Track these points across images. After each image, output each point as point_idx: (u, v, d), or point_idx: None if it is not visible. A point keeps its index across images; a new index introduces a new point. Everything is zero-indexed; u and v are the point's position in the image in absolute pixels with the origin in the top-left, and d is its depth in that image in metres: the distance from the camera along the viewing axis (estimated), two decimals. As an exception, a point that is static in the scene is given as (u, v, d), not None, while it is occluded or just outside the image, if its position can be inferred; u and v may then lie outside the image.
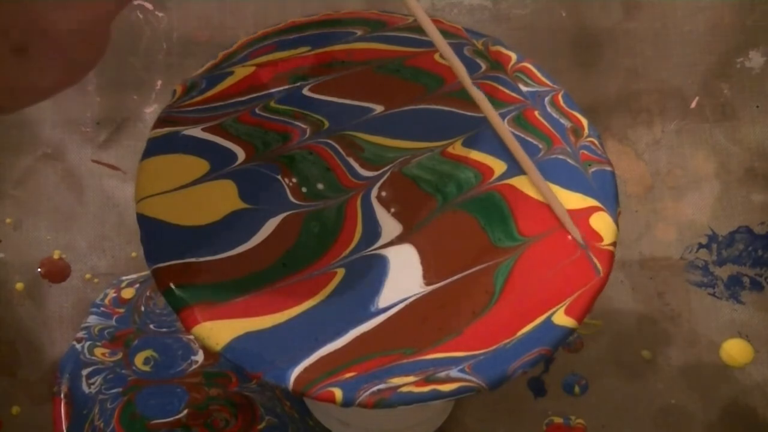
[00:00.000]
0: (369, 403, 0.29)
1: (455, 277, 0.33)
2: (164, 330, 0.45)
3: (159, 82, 0.50)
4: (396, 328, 0.32)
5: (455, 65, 0.34)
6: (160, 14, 0.50)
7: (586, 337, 0.46)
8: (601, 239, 0.33)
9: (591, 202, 0.34)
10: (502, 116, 0.37)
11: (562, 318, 0.31)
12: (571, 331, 0.31)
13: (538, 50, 0.50)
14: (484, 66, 0.37)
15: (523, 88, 0.37)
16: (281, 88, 0.37)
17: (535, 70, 0.37)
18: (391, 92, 0.37)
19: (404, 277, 0.33)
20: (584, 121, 0.36)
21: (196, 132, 0.35)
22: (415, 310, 0.32)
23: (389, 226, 0.35)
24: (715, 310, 0.46)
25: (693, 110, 0.49)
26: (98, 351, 0.45)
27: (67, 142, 0.48)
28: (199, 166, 0.34)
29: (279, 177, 0.35)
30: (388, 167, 0.36)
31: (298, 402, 0.44)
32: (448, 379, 0.30)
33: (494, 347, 0.31)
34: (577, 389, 0.45)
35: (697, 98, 0.50)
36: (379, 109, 0.37)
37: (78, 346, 0.45)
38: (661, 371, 0.45)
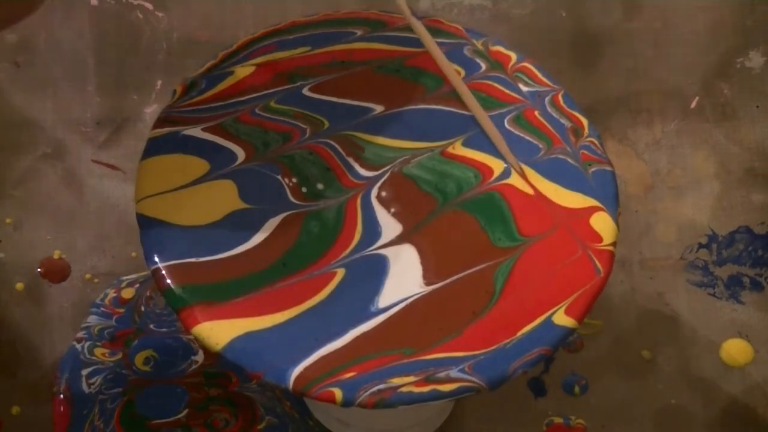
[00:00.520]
0: (369, 403, 0.29)
1: (455, 277, 0.33)
2: (164, 330, 0.45)
3: (159, 82, 0.50)
4: (396, 328, 0.32)
5: (435, 53, 0.34)
6: (160, 14, 0.50)
7: (586, 337, 0.46)
8: (601, 239, 0.33)
9: (591, 202, 0.34)
10: (502, 116, 0.37)
11: (562, 318, 0.31)
12: (571, 331, 0.31)
13: (538, 50, 0.50)
14: (484, 66, 0.37)
15: (523, 88, 0.37)
16: (281, 88, 0.37)
17: (535, 70, 0.37)
18: (391, 92, 0.37)
19: (404, 277, 0.33)
20: (584, 121, 0.36)
21: (196, 132, 0.35)
22: (415, 310, 0.32)
23: (389, 226, 0.35)
24: (715, 310, 0.46)
25: (693, 110, 0.49)
26: (98, 351, 0.45)
27: (67, 142, 0.48)
28: (199, 166, 0.34)
29: (279, 177, 0.35)
30: (388, 167, 0.36)
31: (298, 402, 0.44)
32: (448, 379, 0.30)
33: (494, 347, 0.31)
34: (577, 389, 0.45)
35: (697, 98, 0.50)
36: (379, 109, 0.37)
37: (78, 346, 0.45)
38: (661, 371, 0.45)
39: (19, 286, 0.46)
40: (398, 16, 0.38)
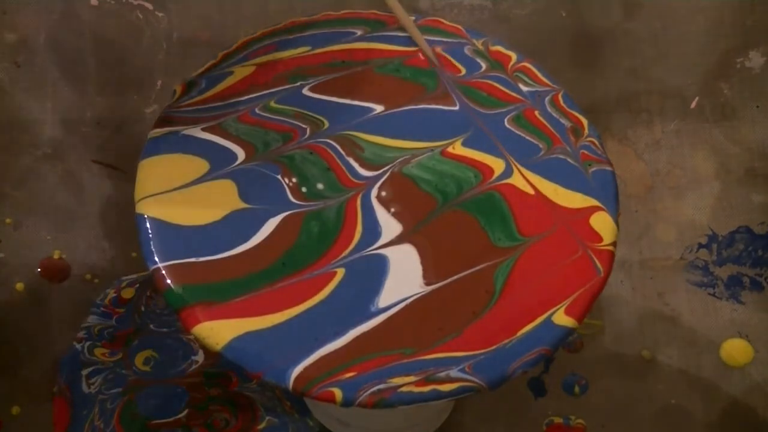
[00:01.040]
0: (369, 403, 0.29)
1: (455, 277, 0.33)
2: (164, 330, 0.45)
3: (159, 82, 0.50)
4: (396, 328, 0.32)
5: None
6: (160, 14, 0.50)
7: (586, 337, 0.46)
8: (601, 239, 0.33)
9: (591, 201, 0.34)
10: (502, 116, 0.37)
11: (562, 318, 0.31)
12: (571, 331, 0.31)
13: (538, 50, 0.50)
14: (484, 66, 0.37)
15: (523, 88, 0.37)
16: (281, 88, 0.37)
17: (535, 70, 0.37)
18: (391, 92, 0.37)
19: (404, 277, 0.33)
20: (584, 121, 0.36)
21: (196, 132, 0.35)
22: (415, 310, 0.32)
23: (389, 225, 0.35)
24: (715, 310, 0.46)
25: (693, 110, 0.49)
26: (98, 351, 0.45)
27: (67, 142, 0.48)
28: (199, 165, 0.34)
29: (279, 177, 0.35)
30: (388, 167, 0.36)
31: (298, 402, 0.44)
32: (448, 379, 0.30)
33: (494, 347, 0.31)
34: (577, 389, 0.45)
35: (697, 98, 0.50)
36: (379, 109, 0.37)
37: (78, 346, 0.45)
38: (661, 371, 0.45)
39: (19, 286, 0.46)
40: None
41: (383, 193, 0.35)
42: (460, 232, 0.35)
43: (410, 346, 0.31)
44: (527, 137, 0.36)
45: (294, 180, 0.35)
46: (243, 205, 0.34)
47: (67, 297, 0.46)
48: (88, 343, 0.45)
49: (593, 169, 0.35)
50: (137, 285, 0.46)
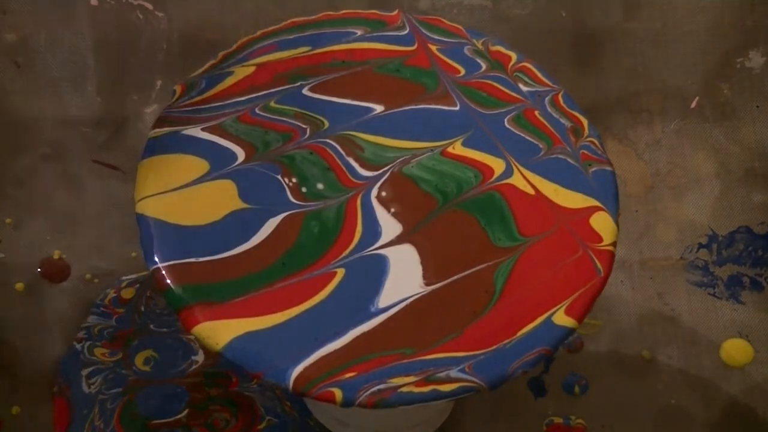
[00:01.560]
0: (369, 403, 0.29)
1: (455, 277, 0.33)
2: (164, 330, 0.45)
3: (159, 82, 0.50)
4: (396, 328, 0.32)
5: None
6: (160, 14, 0.50)
7: (586, 337, 0.46)
8: (601, 239, 0.33)
9: (591, 201, 0.34)
10: (502, 116, 0.37)
11: (562, 318, 0.31)
12: (571, 331, 0.31)
13: (538, 50, 0.50)
14: (484, 66, 0.37)
15: (523, 88, 0.37)
16: (281, 88, 0.37)
17: (535, 70, 0.37)
18: (391, 92, 0.37)
19: (404, 277, 0.33)
20: (584, 121, 0.36)
21: (196, 132, 0.35)
22: (415, 310, 0.32)
23: (389, 226, 0.35)
24: (715, 310, 0.46)
25: (693, 110, 0.49)
26: (98, 351, 0.45)
27: (67, 142, 0.48)
28: (199, 165, 0.34)
29: (279, 177, 0.35)
30: (388, 167, 0.36)
31: (298, 402, 0.44)
32: (448, 379, 0.30)
33: (494, 347, 0.31)
34: (577, 389, 0.45)
35: (697, 98, 0.50)
36: (379, 109, 0.37)
37: (78, 346, 0.45)
38: (661, 371, 0.45)
39: (19, 286, 0.46)
40: (396, 15, 0.38)
41: (383, 193, 0.35)
42: (460, 232, 0.35)
43: (410, 346, 0.31)
44: (527, 137, 0.36)
45: (294, 180, 0.35)
46: (243, 205, 0.34)
47: (67, 297, 0.46)
48: (88, 343, 0.45)
49: (593, 169, 0.35)
50: (137, 285, 0.46)
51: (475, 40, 0.38)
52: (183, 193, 0.34)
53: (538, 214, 0.34)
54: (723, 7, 0.50)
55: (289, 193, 0.35)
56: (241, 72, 0.36)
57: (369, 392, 0.29)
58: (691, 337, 0.46)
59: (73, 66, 0.49)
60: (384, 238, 0.34)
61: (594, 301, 0.32)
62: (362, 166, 0.36)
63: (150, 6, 0.50)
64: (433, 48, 0.38)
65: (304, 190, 0.35)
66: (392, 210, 0.35)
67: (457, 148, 0.36)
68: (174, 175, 0.34)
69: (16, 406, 0.44)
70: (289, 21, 0.37)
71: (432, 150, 0.36)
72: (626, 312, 0.46)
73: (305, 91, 0.37)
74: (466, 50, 0.38)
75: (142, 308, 0.46)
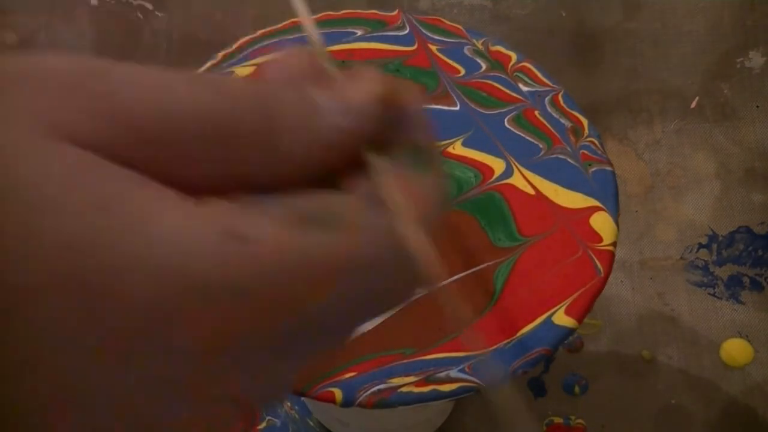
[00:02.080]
0: (369, 403, 0.29)
1: (455, 277, 0.33)
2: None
3: (159, 82, 0.50)
4: (396, 328, 0.31)
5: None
6: (160, 14, 0.50)
7: (586, 337, 0.46)
8: (601, 239, 0.33)
9: (591, 202, 0.34)
10: (502, 116, 0.37)
11: (562, 318, 0.31)
12: (571, 331, 0.31)
13: (538, 50, 0.50)
14: (484, 66, 0.37)
15: (523, 88, 0.37)
16: (281, 88, 0.37)
17: (535, 70, 0.37)
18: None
19: (404, 277, 0.33)
20: (584, 121, 0.36)
21: (196, 132, 0.35)
22: (415, 310, 0.32)
23: (389, 226, 0.35)
24: (715, 310, 0.46)
25: (693, 110, 0.49)
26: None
27: (67, 142, 0.48)
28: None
29: (279, 177, 0.35)
30: (388, 167, 0.36)
31: (298, 402, 0.44)
32: (448, 379, 0.30)
33: (494, 347, 0.31)
34: (577, 389, 0.45)
35: (697, 98, 0.50)
36: (379, 109, 0.37)
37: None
38: (661, 371, 0.45)
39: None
40: (396, 15, 0.38)
41: (383, 193, 0.35)
42: (460, 232, 0.35)
43: (410, 346, 0.31)
44: (527, 137, 0.36)
45: (294, 180, 0.35)
46: (243, 205, 0.34)
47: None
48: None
49: (593, 169, 0.35)
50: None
51: (475, 40, 0.38)
52: (183, 193, 0.34)
53: (538, 214, 0.34)
54: (723, 7, 0.50)
55: (289, 193, 0.35)
56: (241, 72, 0.36)
57: (369, 392, 0.29)
58: (691, 337, 0.46)
59: (73, 66, 0.49)
60: (384, 238, 0.34)
61: (594, 301, 0.32)
62: (362, 166, 0.36)
63: (150, 6, 0.50)
64: (433, 48, 0.38)
65: (304, 190, 0.35)
66: (392, 210, 0.35)
67: (457, 148, 0.36)
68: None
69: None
70: (289, 21, 0.37)
71: (432, 150, 0.36)
72: (626, 312, 0.46)
73: (305, 91, 0.37)
74: (466, 50, 0.38)
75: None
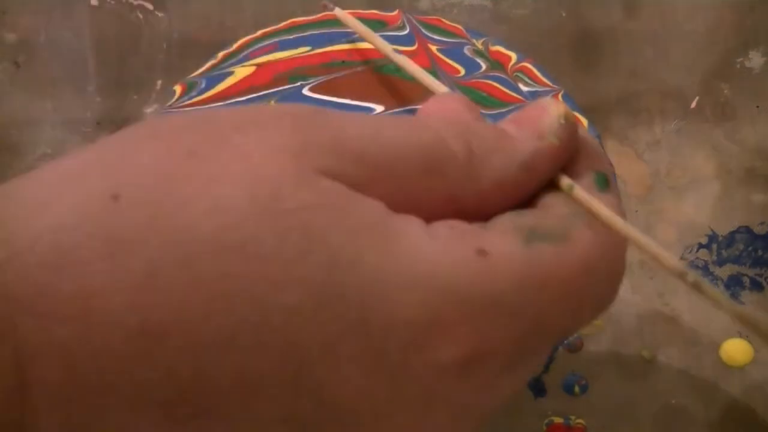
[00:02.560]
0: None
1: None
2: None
3: (159, 82, 0.50)
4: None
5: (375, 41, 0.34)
6: (160, 14, 0.50)
7: (586, 337, 0.46)
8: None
9: (591, 202, 0.34)
10: (502, 116, 0.37)
11: (562, 318, 0.31)
12: (571, 331, 0.31)
13: (538, 50, 0.50)
14: (484, 66, 0.37)
15: (524, 88, 0.37)
16: (281, 88, 0.37)
17: (535, 70, 0.37)
18: (391, 92, 0.37)
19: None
20: (584, 121, 0.36)
21: (196, 132, 0.35)
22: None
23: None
24: (715, 310, 0.46)
25: (693, 110, 0.49)
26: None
27: (67, 143, 0.48)
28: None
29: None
30: (388, 167, 0.36)
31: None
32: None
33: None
34: (577, 389, 0.45)
35: (697, 98, 0.50)
36: (379, 109, 0.37)
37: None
38: (662, 371, 0.45)
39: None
40: (396, 15, 0.38)
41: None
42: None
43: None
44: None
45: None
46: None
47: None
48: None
49: (593, 169, 0.35)
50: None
51: (475, 40, 0.38)
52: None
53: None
54: (723, 7, 0.50)
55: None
56: (241, 72, 0.36)
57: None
58: (692, 337, 0.46)
59: (73, 66, 0.49)
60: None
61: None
62: (362, 166, 0.36)
63: (150, 6, 0.50)
64: (434, 48, 0.38)
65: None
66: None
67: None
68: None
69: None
70: (289, 21, 0.37)
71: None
72: (626, 312, 0.46)
73: (305, 91, 0.37)
74: (466, 50, 0.38)
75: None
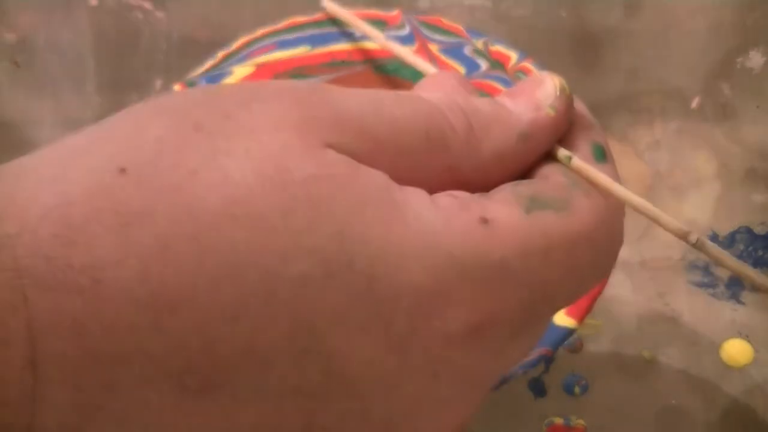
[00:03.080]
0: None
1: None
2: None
3: (159, 82, 0.50)
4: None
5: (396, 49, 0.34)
6: (160, 14, 0.50)
7: (586, 337, 0.46)
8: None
9: (591, 202, 0.34)
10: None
11: (562, 318, 0.31)
12: (571, 332, 0.31)
13: (538, 50, 0.50)
14: (484, 66, 0.37)
15: (524, 88, 0.37)
16: (281, 88, 0.37)
17: (535, 70, 0.37)
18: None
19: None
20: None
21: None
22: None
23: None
24: (715, 311, 0.46)
25: (693, 110, 0.49)
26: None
27: (67, 142, 0.48)
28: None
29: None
30: (388, 167, 0.36)
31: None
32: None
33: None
34: (577, 389, 0.45)
35: (697, 98, 0.50)
36: (379, 109, 0.37)
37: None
38: (662, 371, 0.45)
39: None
40: (396, 15, 0.38)
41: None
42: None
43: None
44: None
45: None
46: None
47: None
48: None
49: (593, 169, 0.35)
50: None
51: (475, 40, 0.38)
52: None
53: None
54: (723, 7, 0.50)
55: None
56: (240, 72, 0.36)
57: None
58: (692, 338, 0.46)
59: (73, 66, 0.49)
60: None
61: (594, 302, 0.32)
62: (362, 166, 0.36)
63: (150, 6, 0.50)
64: (434, 48, 0.38)
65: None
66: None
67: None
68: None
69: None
70: (289, 21, 0.37)
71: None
72: (626, 312, 0.46)
73: (305, 91, 0.37)
74: (467, 50, 0.38)
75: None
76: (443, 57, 0.38)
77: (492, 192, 0.19)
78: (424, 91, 0.21)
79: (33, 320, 0.14)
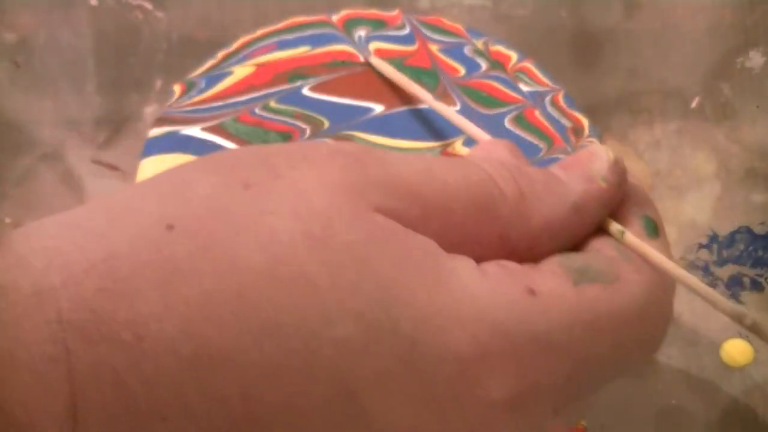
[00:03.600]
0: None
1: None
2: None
3: (159, 82, 0.49)
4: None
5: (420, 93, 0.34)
6: (160, 14, 0.50)
7: (586, 337, 0.46)
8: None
9: (591, 202, 0.34)
10: (502, 116, 0.37)
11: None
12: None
13: (538, 50, 0.50)
14: (484, 65, 0.37)
15: (524, 88, 0.37)
16: (281, 88, 0.37)
17: (535, 70, 0.37)
18: (391, 92, 0.37)
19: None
20: (585, 121, 0.36)
21: (196, 132, 0.35)
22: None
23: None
24: (715, 311, 0.46)
25: (693, 110, 0.49)
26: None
27: (67, 142, 0.48)
28: (199, 166, 0.34)
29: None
30: (388, 167, 0.36)
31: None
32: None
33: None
34: (577, 389, 0.45)
35: (697, 98, 0.50)
36: (379, 109, 0.37)
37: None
38: (662, 371, 0.45)
39: (19, 286, 0.46)
40: (396, 15, 0.38)
41: (383, 193, 0.35)
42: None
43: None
44: (528, 137, 0.36)
45: (294, 180, 0.35)
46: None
47: (67, 297, 0.46)
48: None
49: (593, 169, 0.35)
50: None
51: (475, 40, 0.38)
52: (183, 193, 0.34)
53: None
54: (723, 7, 0.50)
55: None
56: (240, 72, 0.36)
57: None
58: (692, 338, 0.46)
59: (73, 66, 0.49)
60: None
61: None
62: (362, 166, 0.36)
63: (150, 6, 0.50)
64: (434, 48, 0.38)
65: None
66: (392, 210, 0.35)
67: (457, 148, 0.36)
68: (174, 175, 0.34)
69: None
70: (289, 21, 0.37)
71: (432, 150, 0.36)
72: (626, 312, 0.46)
73: (305, 91, 0.37)
74: (467, 50, 0.38)
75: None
76: (443, 57, 0.38)
77: (541, 263, 0.19)
78: (475, 157, 0.20)
79: (75, 372, 0.14)
